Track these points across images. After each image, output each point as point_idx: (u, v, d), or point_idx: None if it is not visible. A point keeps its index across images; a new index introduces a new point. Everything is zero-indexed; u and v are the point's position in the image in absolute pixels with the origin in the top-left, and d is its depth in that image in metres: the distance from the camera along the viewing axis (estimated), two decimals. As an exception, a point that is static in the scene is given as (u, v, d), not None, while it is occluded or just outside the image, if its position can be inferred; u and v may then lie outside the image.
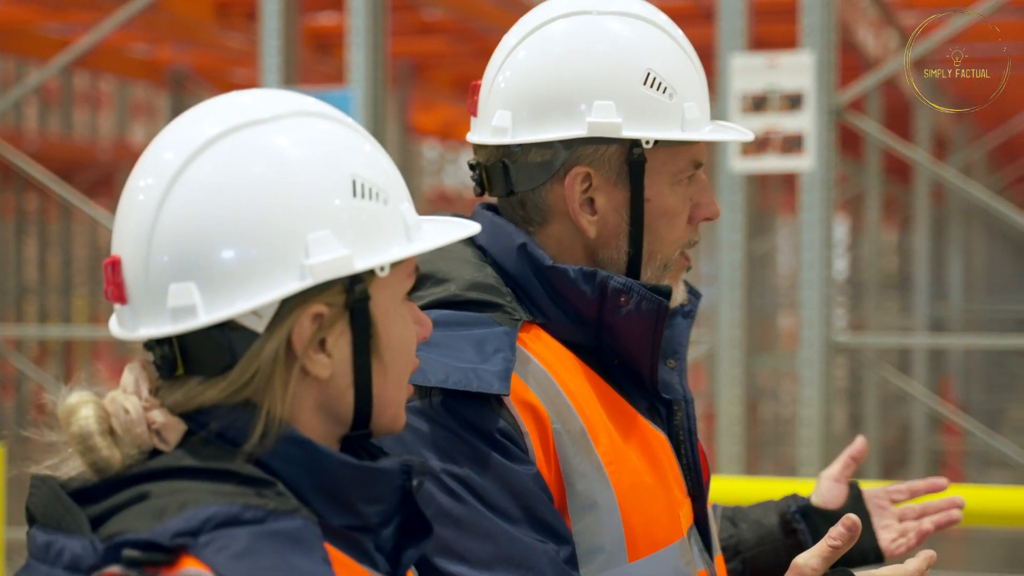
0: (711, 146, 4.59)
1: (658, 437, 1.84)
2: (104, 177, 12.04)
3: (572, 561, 1.73)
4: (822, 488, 2.10)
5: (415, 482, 1.45)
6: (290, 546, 1.31)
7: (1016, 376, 14.69)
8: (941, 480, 2.13)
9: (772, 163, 4.50)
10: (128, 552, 1.28)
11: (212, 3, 7.14)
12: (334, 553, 1.37)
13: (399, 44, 8.93)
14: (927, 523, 2.08)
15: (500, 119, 1.82)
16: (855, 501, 2.09)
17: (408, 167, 9.84)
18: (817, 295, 4.46)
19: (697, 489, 1.89)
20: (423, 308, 1.75)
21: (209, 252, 1.36)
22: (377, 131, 4.87)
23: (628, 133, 1.79)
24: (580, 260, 1.84)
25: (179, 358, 1.39)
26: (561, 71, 1.80)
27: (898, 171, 11.44)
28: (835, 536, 1.58)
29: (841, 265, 15.22)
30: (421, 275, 1.79)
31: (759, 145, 4.48)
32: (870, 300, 8.97)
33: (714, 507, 2.08)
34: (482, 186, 1.87)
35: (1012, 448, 4.87)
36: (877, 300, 9.92)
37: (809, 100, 4.43)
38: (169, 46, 9.19)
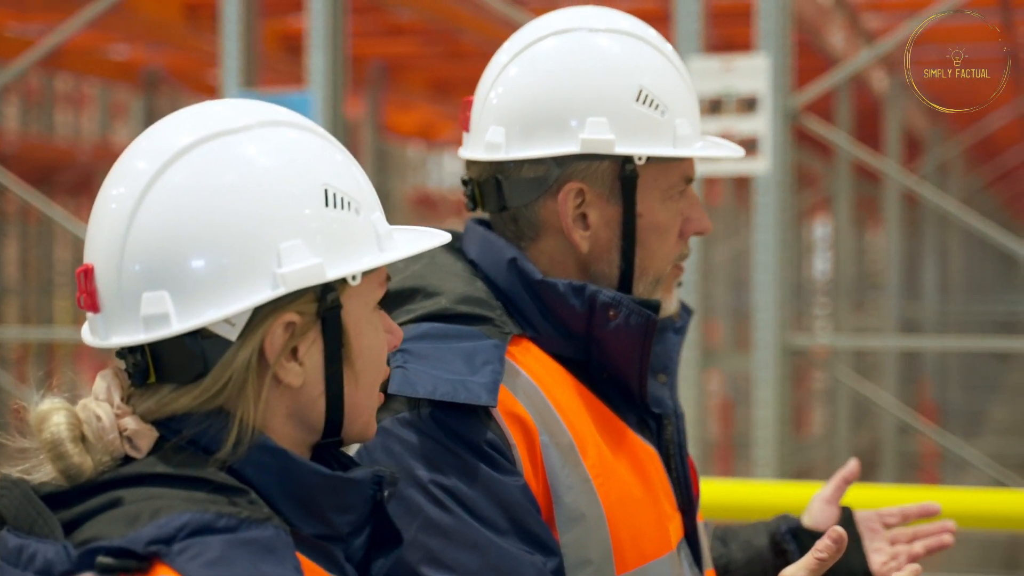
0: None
1: (647, 451, 1.86)
2: (85, 178, 12.02)
3: (560, 573, 1.75)
4: (813, 510, 2.11)
5: (386, 492, 1.47)
6: (262, 555, 1.32)
7: (994, 377, 14.72)
8: (934, 505, 2.14)
9: (728, 166, 4.52)
10: (102, 559, 1.29)
11: (180, 4, 7.15)
12: (305, 562, 1.38)
13: (371, 46, 8.94)
14: (918, 546, 2.09)
15: (493, 135, 1.84)
16: (846, 524, 2.10)
17: (384, 168, 9.85)
18: (771, 297, 4.48)
19: (687, 503, 1.91)
20: (413, 321, 1.79)
21: (182, 261, 1.38)
22: (337, 133, 4.87)
23: (621, 150, 1.82)
24: (572, 275, 1.86)
25: (151, 366, 1.40)
26: (554, 88, 1.83)
27: (871, 172, 11.47)
28: (821, 548, 1.58)
29: (823, 266, 15.24)
30: (412, 288, 1.83)
31: (715, 148, 4.49)
32: (844, 302, 8.98)
33: (705, 525, 2.09)
34: (475, 201, 1.89)
35: (973, 452, 4.88)
36: (860, 301, 9.96)
37: (764, 103, 4.44)
38: (142, 47, 9.18)
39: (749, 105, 4.46)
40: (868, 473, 9.61)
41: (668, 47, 1.90)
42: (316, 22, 4.82)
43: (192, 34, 7.50)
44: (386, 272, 1.51)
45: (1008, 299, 15.24)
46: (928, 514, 2.13)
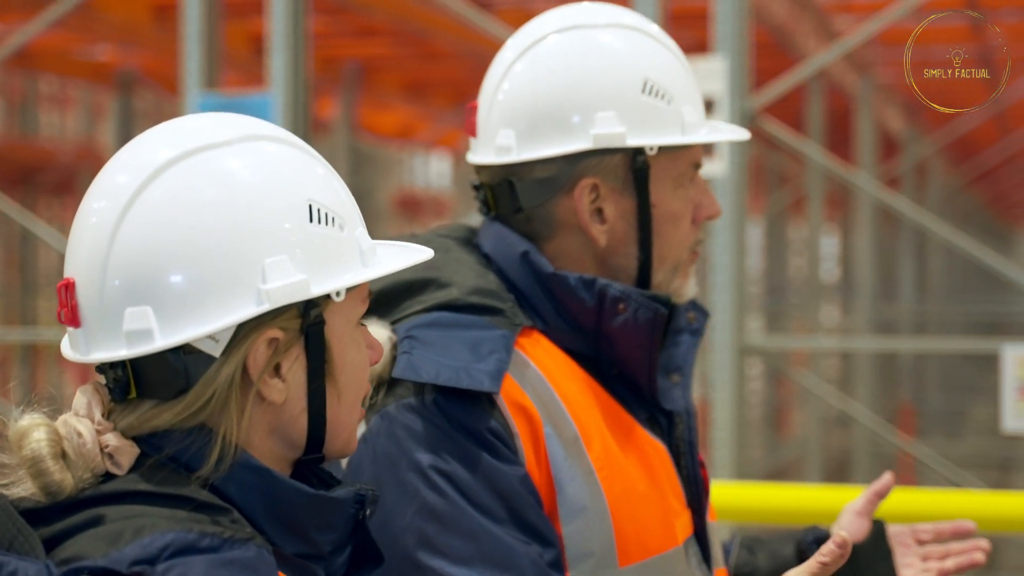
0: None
1: (655, 447, 1.87)
2: (67, 179, 12.01)
3: (557, 564, 1.75)
4: (843, 521, 2.10)
5: (367, 511, 1.46)
6: (245, 575, 1.31)
7: (974, 379, 14.74)
8: (968, 523, 2.13)
9: (686, 167, 4.52)
10: None
11: (149, 5, 7.14)
12: None
13: (344, 47, 8.95)
14: (949, 563, 2.08)
15: (503, 138, 1.86)
16: (877, 537, 2.09)
17: (359, 169, 9.85)
18: (728, 298, 4.49)
19: (696, 501, 1.92)
20: (424, 311, 1.81)
21: (165, 276, 1.37)
22: (300, 134, 4.86)
23: (632, 142, 1.83)
24: (590, 269, 1.87)
25: (132, 381, 1.39)
26: (561, 86, 1.85)
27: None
28: (825, 553, 1.57)
29: (798, 266, 15.24)
30: (425, 280, 1.84)
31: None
32: (818, 303, 8.99)
33: (735, 536, 2.12)
34: (488, 205, 1.91)
35: (930, 454, 4.90)
36: (839, 302, 9.97)
37: (722, 105, 4.44)
38: (116, 48, 9.18)
39: (707, 107, 4.46)
40: (840, 474, 9.63)
41: (668, 39, 1.92)
42: (277, 24, 4.82)
43: (161, 35, 7.49)
44: (368, 288, 1.50)
45: (988, 300, 15.23)
46: (961, 533, 2.12)
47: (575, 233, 1.87)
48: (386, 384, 1.78)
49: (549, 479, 1.77)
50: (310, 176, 1.45)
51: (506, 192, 1.87)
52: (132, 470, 1.38)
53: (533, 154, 1.85)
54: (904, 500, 3.34)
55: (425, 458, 1.73)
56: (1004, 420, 4.41)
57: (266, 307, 1.38)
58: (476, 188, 1.92)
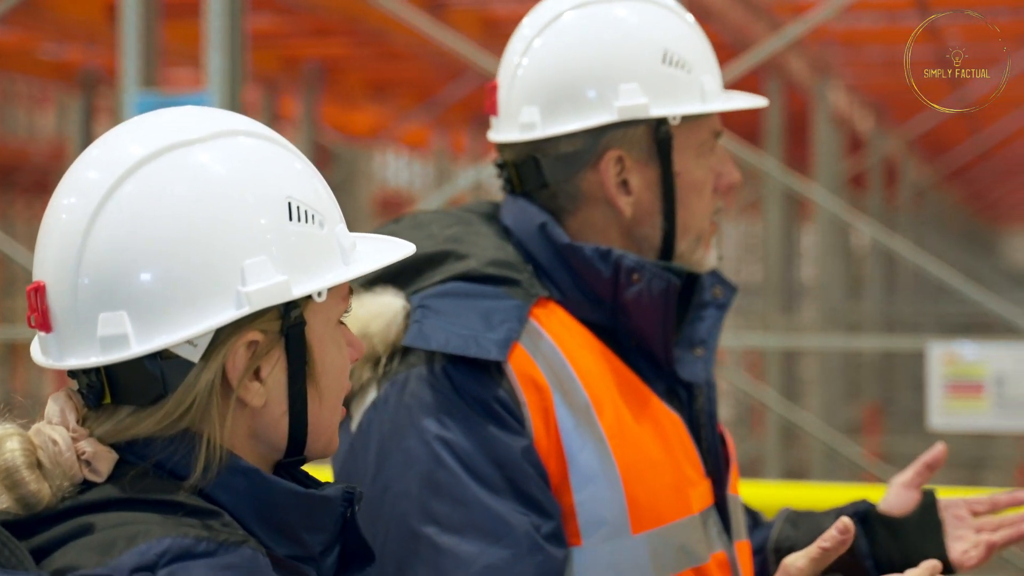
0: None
1: (671, 417, 1.87)
2: (42, 176, 12.02)
3: (556, 536, 1.76)
4: (890, 494, 2.07)
5: (356, 508, 1.43)
6: None
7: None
8: (1022, 493, 2.08)
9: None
10: None
11: (102, 4, 7.14)
12: None
13: (304, 46, 8.97)
14: (998, 536, 2.00)
15: (527, 115, 1.88)
16: (926, 509, 2.03)
17: (336, 169, 9.90)
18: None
19: (716, 472, 1.91)
20: (441, 283, 1.82)
21: (142, 280, 1.32)
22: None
23: (656, 112, 1.85)
24: (615, 241, 1.88)
25: (107, 387, 1.34)
26: (582, 60, 1.87)
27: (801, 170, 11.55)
28: (826, 539, 1.57)
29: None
30: (444, 252, 1.85)
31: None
32: (772, 302, 9.02)
33: (781, 510, 2.10)
34: (512, 184, 1.92)
35: (855, 451, 4.92)
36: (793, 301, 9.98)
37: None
38: (80, 47, 9.18)
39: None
40: (753, 471, 9.65)
41: (683, 10, 1.94)
42: (214, 23, 4.83)
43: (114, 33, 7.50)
44: (349, 286, 1.45)
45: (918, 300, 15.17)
46: (1017, 503, 2.06)
47: (601, 206, 1.88)
48: (400, 352, 1.80)
49: (559, 448, 1.78)
50: (289, 172, 1.40)
51: (532, 169, 1.89)
52: (115, 479, 1.34)
53: (558, 129, 1.86)
54: (811, 495, 3.36)
55: (429, 427, 1.75)
56: (930, 417, 4.45)
57: (247, 310, 1.33)
58: (499, 167, 1.94)
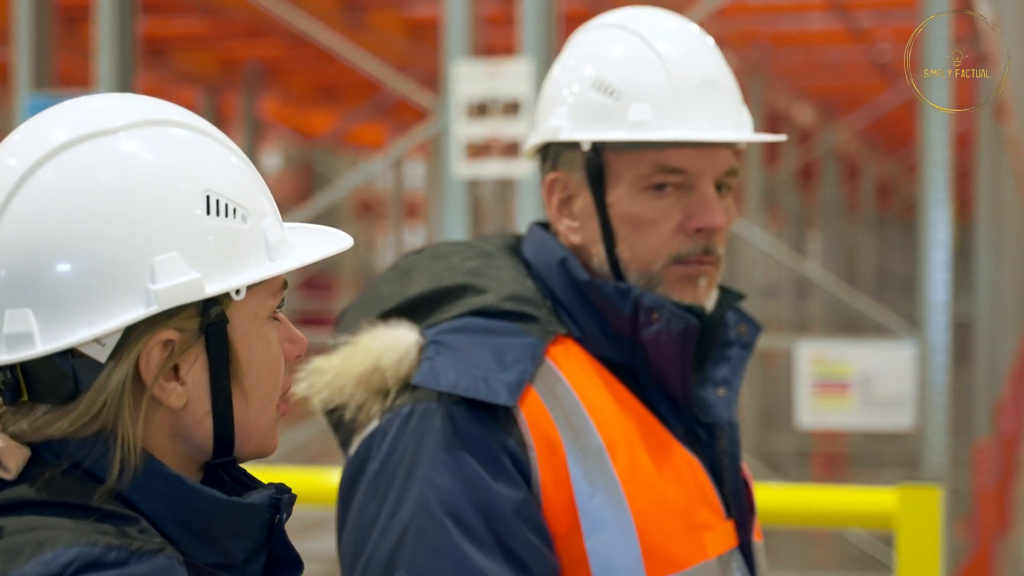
0: (445, 152, 4.68)
1: (689, 459, 1.84)
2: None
3: None
4: None
5: (284, 515, 1.38)
6: None
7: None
8: None
9: (493, 169, 4.59)
10: None
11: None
12: None
13: (244, 48, 9.00)
14: None
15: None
16: None
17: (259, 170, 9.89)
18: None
19: (740, 514, 1.88)
20: (457, 317, 1.80)
21: (47, 275, 1.27)
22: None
23: (569, 136, 1.85)
24: (576, 266, 1.86)
25: (23, 384, 1.30)
26: (548, 79, 1.93)
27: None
28: None
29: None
30: (463, 286, 1.83)
31: (481, 151, 4.57)
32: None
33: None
34: None
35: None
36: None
37: (527, 106, 4.51)
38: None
39: (514, 109, 4.54)
40: None
41: (660, 41, 1.89)
42: (104, 26, 4.88)
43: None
44: (283, 280, 1.39)
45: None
46: None
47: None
48: (410, 386, 1.78)
49: (569, 495, 1.75)
50: (211, 164, 1.34)
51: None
52: (30, 478, 1.29)
53: (533, 139, 1.94)
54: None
55: (423, 470, 1.72)
56: (799, 416, 4.49)
57: (155, 309, 1.28)
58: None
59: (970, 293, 7.92)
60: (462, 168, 4.60)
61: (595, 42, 1.92)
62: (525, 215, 4.55)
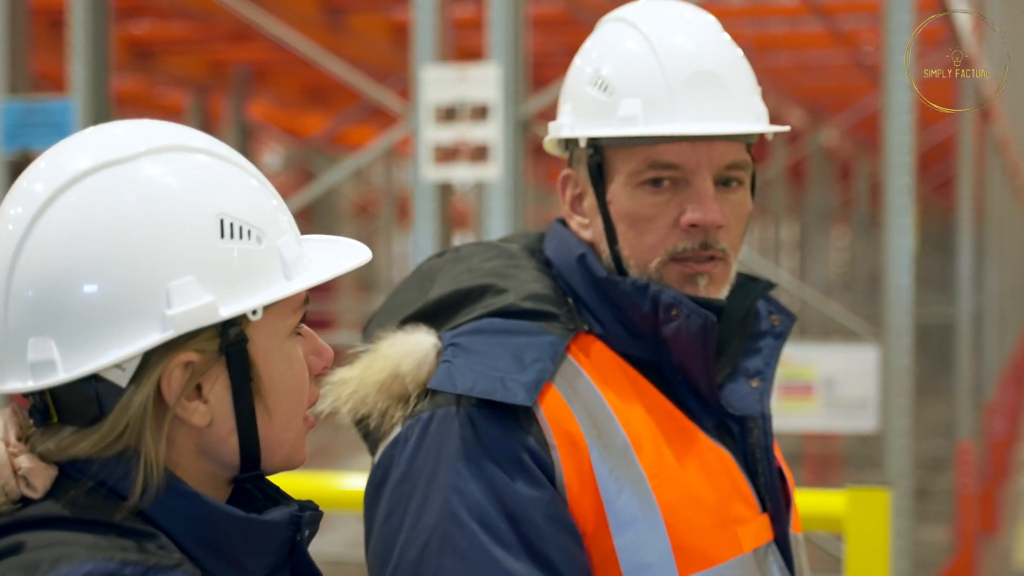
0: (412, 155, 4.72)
1: (719, 453, 1.82)
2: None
3: None
4: None
5: (306, 532, 1.41)
6: None
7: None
8: None
9: (462, 172, 4.62)
10: None
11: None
12: None
13: (230, 51, 9.03)
14: None
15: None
16: None
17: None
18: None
19: (775, 507, 1.86)
20: (477, 318, 1.79)
21: (66, 305, 1.31)
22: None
23: (574, 133, 1.86)
24: (592, 259, 1.86)
25: (52, 407, 1.34)
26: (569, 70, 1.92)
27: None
28: None
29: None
30: (483, 286, 1.82)
31: (450, 154, 4.60)
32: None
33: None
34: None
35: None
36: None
37: (496, 111, 4.55)
38: None
39: (482, 113, 4.57)
40: None
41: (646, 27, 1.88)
42: (77, 30, 4.91)
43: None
44: (303, 296, 1.42)
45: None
46: None
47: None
48: (430, 391, 1.76)
49: (595, 494, 1.73)
50: (226, 188, 1.37)
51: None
52: (56, 496, 1.32)
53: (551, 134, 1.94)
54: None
55: (447, 475, 1.71)
56: (764, 419, 4.50)
57: (171, 334, 1.31)
58: None
59: (953, 295, 7.94)
60: (431, 172, 4.63)
61: (600, 37, 1.91)
62: (494, 218, 4.58)
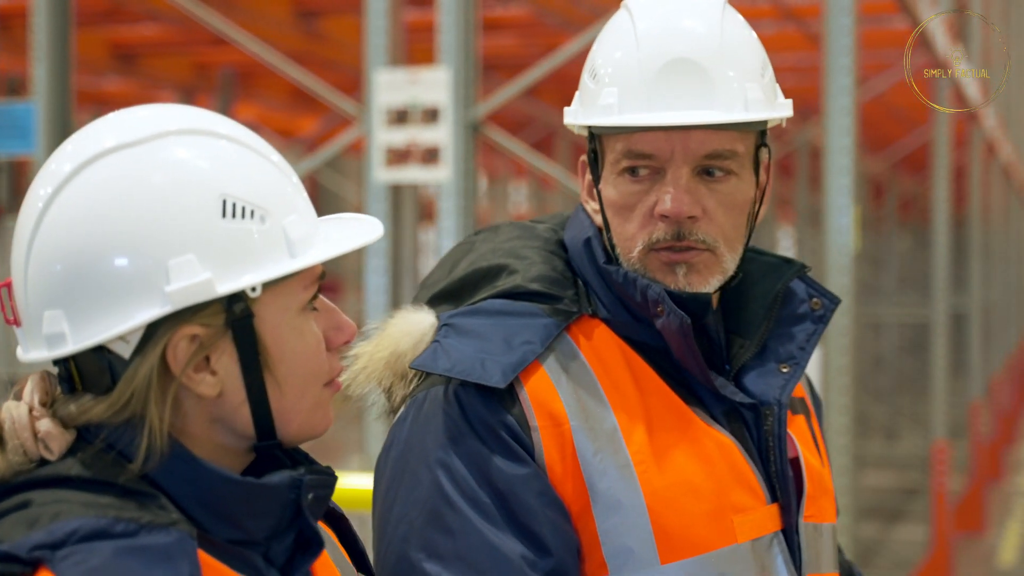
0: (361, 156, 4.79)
1: (719, 440, 1.80)
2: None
3: (557, 573, 1.72)
4: None
5: (309, 496, 1.45)
6: (155, 562, 1.32)
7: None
8: None
9: (413, 174, 4.69)
10: None
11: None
12: (219, 568, 1.39)
13: (214, 53, 9.11)
14: None
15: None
16: None
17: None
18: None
19: (785, 497, 1.82)
20: (487, 298, 1.81)
21: (74, 279, 1.37)
22: (60, 142, 5.02)
23: (575, 121, 1.87)
24: (602, 248, 1.85)
25: (75, 375, 1.42)
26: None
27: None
28: None
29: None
30: (499, 266, 1.84)
31: (401, 156, 4.67)
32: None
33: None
34: None
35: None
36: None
37: (446, 114, 4.61)
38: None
39: (433, 116, 4.64)
40: None
41: (643, 27, 1.85)
42: (39, 34, 4.98)
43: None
44: (318, 270, 1.47)
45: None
46: None
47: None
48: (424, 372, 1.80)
49: (578, 476, 1.74)
50: (232, 169, 1.42)
51: None
52: (72, 457, 1.39)
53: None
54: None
55: (434, 451, 1.74)
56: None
57: (168, 309, 1.37)
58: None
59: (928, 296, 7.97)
60: (382, 173, 4.70)
61: (607, 24, 1.91)
62: (445, 219, 4.65)
